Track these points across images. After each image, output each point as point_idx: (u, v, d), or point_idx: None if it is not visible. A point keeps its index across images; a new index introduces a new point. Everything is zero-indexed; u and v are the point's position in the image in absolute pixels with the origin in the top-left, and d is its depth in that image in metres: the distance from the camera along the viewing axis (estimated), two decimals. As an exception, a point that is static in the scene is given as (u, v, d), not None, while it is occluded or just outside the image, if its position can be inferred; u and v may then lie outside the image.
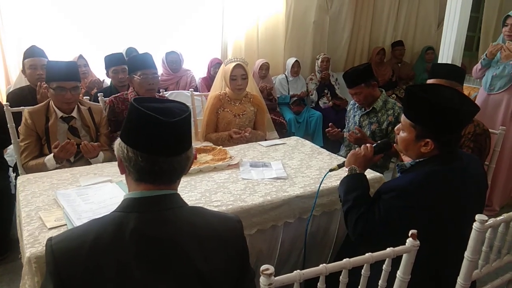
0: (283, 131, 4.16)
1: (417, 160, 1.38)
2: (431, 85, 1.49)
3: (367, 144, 1.62)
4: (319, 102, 4.74)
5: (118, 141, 1.01)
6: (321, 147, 2.55)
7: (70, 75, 2.16)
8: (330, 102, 4.72)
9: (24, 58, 2.79)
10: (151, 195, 0.97)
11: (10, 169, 2.82)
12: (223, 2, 4.30)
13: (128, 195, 1.00)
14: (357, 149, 1.62)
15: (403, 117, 1.40)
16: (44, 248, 1.25)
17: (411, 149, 1.38)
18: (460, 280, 1.20)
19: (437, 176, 1.29)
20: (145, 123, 0.94)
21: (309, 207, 1.79)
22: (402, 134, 1.40)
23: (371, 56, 5.25)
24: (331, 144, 3.38)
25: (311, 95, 4.73)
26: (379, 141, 1.67)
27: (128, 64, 2.54)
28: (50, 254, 0.90)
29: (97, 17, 3.85)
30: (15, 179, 2.74)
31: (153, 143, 0.95)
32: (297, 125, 4.49)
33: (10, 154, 3.00)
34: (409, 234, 1.04)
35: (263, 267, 0.88)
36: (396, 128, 1.46)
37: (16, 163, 2.77)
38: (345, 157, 2.41)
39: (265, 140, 2.89)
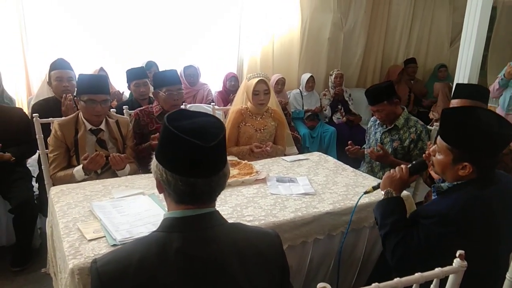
0: (298, 146, 4.17)
1: (455, 183, 1.38)
2: (467, 108, 1.50)
3: (402, 166, 1.60)
4: (333, 117, 4.77)
5: (154, 162, 1.00)
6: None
7: (101, 88, 2.20)
8: (344, 118, 4.75)
9: (50, 70, 2.84)
10: (193, 214, 0.98)
11: (33, 179, 2.84)
12: (240, 18, 4.38)
13: (168, 214, 1.01)
14: (392, 171, 1.60)
15: (439, 139, 1.39)
16: (84, 260, 1.29)
17: (448, 172, 1.37)
18: (501, 301, 1.21)
19: (477, 202, 1.29)
20: (183, 148, 0.93)
21: (339, 224, 1.80)
22: (439, 157, 1.39)
23: (388, 74, 5.24)
24: (345, 160, 3.38)
25: (325, 110, 4.76)
26: (414, 162, 1.66)
27: (153, 80, 2.59)
28: (96, 277, 0.91)
29: (117, 30, 3.94)
30: (38, 189, 2.78)
31: (193, 167, 0.95)
32: (311, 140, 4.51)
33: (32, 164, 3.03)
34: (457, 255, 1.04)
35: (320, 285, 0.89)
36: (431, 150, 1.46)
37: (38, 173, 2.81)
38: (367, 173, 2.46)
39: (285, 154, 2.91)
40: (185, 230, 0.96)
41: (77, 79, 2.31)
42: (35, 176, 2.86)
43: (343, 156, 3.23)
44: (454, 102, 2.21)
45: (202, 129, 0.96)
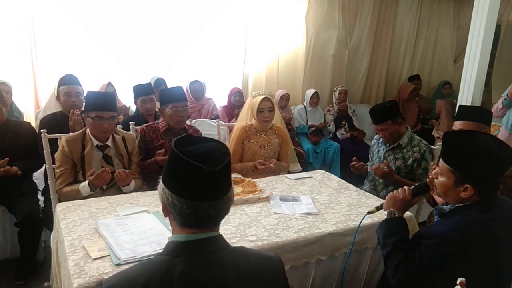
0: (301, 161, 4.18)
1: (457, 205, 1.39)
2: (468, 132, 1.53)
3: (405, 187, 1.62)
4: (337, 133, 4.79)
5: (161, 186, 1.03)
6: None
7: (108, 105, 2.24)
8: (348, 134, 4.77)
9: (59, 85, 2.89)
10: (196, 238, 1.00)
11: (39, 192, 2.87)
12: (246, 35, 4.46)
13: (173, 238, 1.03)
14: (395, 192, 1.62)
15: (441, 162, 1.41)
16: (89, 279, 1.31)
17: (450, 194, 1.39)
18: (503, 328, 1.20)
19: (478, 224, 1.31)
20: (190, 172, 0.96)
21: (341, 244, 1.80)
22: (441, 179, 1.41)
23: (400, 91, 5.21)
24: (349, 176, 3.38)
25: (329, 126, 4.79)
26: (417, 184, 1.67)
27: (160, 96, 2.63)
28: None
29: (126, 44, 4.00)
30: (44, 202, 2.80)
31: (198, 191, 0.98)
32: (315, 155, 4.52)
33: (38, 177, 3.06)
34: (458, 283, 1.05)
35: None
36: (434, 172, 1.48)
37: (44, 187, 2.84)
38: (370, 191, 2.47)
39: (288, 171, 2.93)
40: (189, 254, 0.98)
41: (85, 96, 2.35)
42: (41, 189, 2.88)
43: (346, 171, 3.24)
44: (457, 124, 2.23)
45: (208, 154, 1.00)
